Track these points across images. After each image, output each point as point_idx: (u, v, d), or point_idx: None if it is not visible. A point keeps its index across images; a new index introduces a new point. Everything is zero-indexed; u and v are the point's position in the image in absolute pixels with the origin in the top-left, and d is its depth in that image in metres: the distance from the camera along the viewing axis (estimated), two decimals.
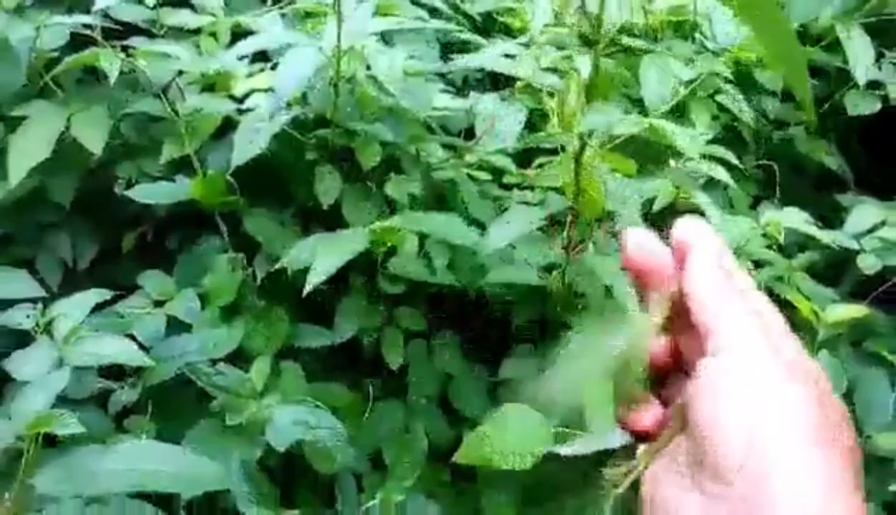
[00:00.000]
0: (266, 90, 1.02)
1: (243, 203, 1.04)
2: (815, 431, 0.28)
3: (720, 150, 1.04)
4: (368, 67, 0.91)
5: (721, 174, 0.99)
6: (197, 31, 1.16)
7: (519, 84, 1.04)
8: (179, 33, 1.18)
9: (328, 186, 0.97)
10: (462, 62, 0.95)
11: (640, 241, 0.33)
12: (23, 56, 0.99)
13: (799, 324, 1.01)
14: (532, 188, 1.08)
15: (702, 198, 0.98)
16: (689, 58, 1.19)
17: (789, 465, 0.27)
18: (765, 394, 0.29)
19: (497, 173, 1.24)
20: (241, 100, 1.04)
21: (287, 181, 1.05)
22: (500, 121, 0.97)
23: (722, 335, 0.31)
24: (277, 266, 0.93)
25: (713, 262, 0.32)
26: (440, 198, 1.13)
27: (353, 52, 0.89)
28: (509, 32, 1.62)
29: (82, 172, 1.11)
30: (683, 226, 0.34)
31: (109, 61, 0.94)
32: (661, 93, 1.04)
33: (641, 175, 1.00)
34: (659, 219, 1.12)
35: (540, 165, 1.08)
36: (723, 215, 1.05)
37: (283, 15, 1.21)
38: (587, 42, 0.83)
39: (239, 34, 1.19)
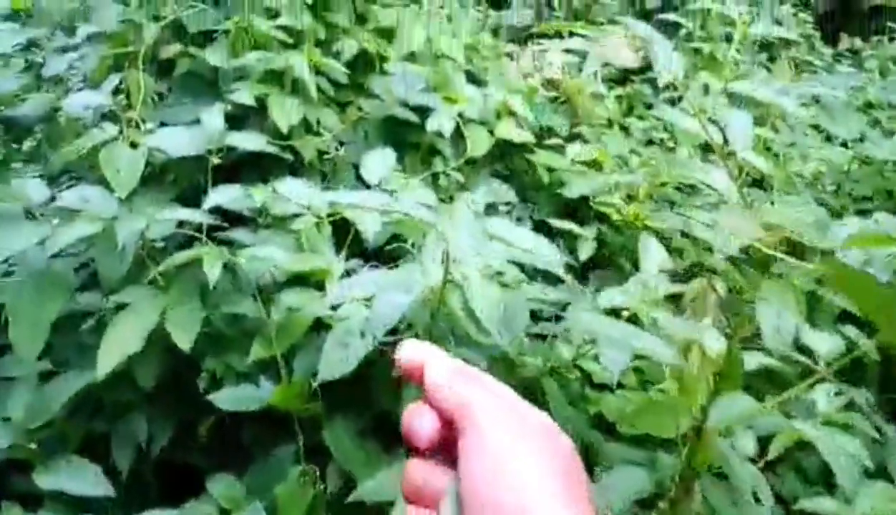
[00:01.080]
0: (361, 301, 0.99)
1: (323, 410, 0.99)
2: (565, 491, 0.34)
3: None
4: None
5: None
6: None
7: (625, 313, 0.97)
8: (282, 221, 1.20)
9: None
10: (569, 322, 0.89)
11: (408, 352, 0.40)
12: (129, 249, 1.00)
13: None
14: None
15: None
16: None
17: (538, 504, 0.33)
18: (517, 464, 0.35)
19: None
20: (334, 305, 1.02)
21: (371, 394, 1.00)
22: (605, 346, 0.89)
23: (468, 415, 0.36)
24: (353, 498, 0.86)
25: (447, 363, 0.39)
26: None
27: (452, 284, 0.85)
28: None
29: (168, 358, 1.10)
30: (409, 348, 0.40)
31: (211, 264, 0.94)
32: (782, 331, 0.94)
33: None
34: None
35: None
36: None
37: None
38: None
39: (340, 226, 1.20)
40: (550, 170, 1.71)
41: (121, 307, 1.03)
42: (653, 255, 1.00)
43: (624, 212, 1.45)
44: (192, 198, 1.30)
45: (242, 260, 1.00)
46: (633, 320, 0.96)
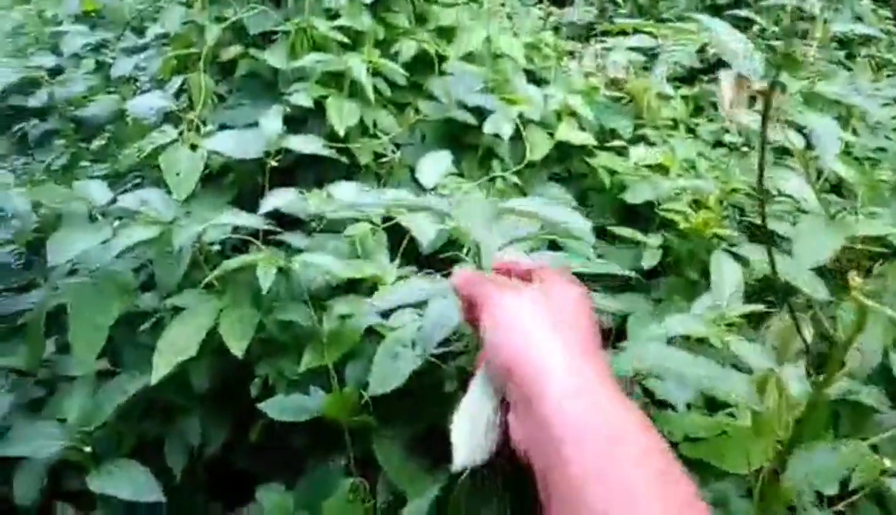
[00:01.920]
0: (414, 306, 0.96)
1: (374, 422, 0.97)
2: (554, 325, 0.48)
3: None
4: None
5: None
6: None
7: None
8: (337, 226, 1.18)
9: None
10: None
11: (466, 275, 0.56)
12: (186, 253, 1.00)
13: None
14: None
15: None
16: None
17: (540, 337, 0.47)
18: (522, 316, 0.48)
19: None
20: (387, 313, 0.99)
21: (421, 407, 0.97)
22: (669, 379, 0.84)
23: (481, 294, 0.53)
24: None
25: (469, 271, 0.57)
26: None
27: None
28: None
29: (221, 362, 1.09)
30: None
31: (265, 269, 0.92)
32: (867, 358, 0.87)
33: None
34: None
35: None
36: None
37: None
38: None
39: (394, 231, 1.17)
40: (612, 173, 1.65)
41: (177, 310, 1.03)
42: (726, 275, 0.94)
43: (692, 220, 1.37)
44: (249, 201, 1.30)
45: (296, 265, 0.98)
46: (702, 339, 0.90)
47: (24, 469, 1.09)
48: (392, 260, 1.12)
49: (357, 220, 1.12)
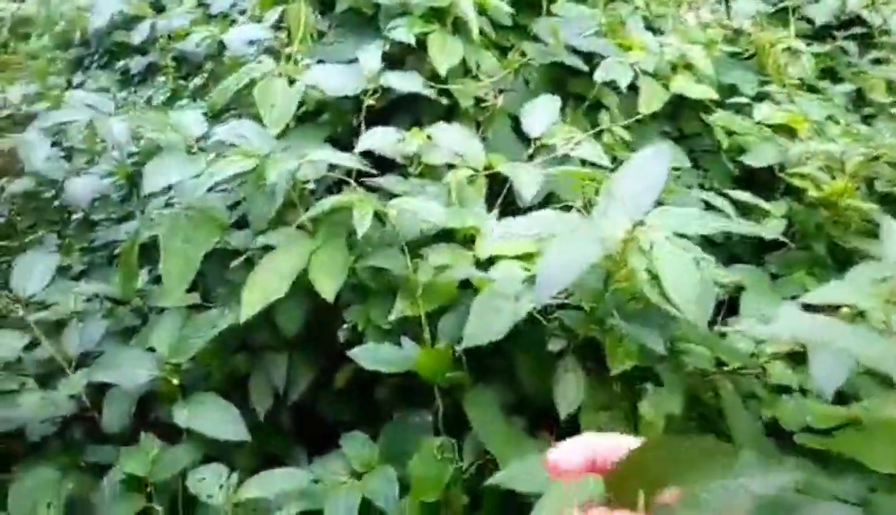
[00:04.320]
0: (514, 257, 0.89)
1: (468, 379, 0.91)
2: None
3: None
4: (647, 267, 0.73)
5: None
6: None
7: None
8: (434, 171, 1.12)
9: (568, 390, 0.80)
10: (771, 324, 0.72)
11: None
12: (280, 189, 0.96)
13: None
14: None
15: None
16: None
17: None
18: None
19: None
20: (485, 265, 0.93)
21: (518, 368, 0.90)
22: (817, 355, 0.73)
23: None
24: (494, 481, 0.77)
25: None
26: (702, 416, 0.91)
27: (635, 245, 0.71)
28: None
29: (311, 305, 1.06)
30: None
31: (362, 213, 0.87)
32: None
33: None
34: None
35: None
36: None
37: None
38: None
39: (498, 178, 1.10)
40: (730, 133, 1.51)
41: (267, 248, 1.00)
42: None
43: (824, 188, 1.23)
44: (343, 141, 1.26)
45: (392, 211, 0.92)
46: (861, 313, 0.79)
47: (113, 396, 1.10)
48: (489, 210, 1.05)
49: (453, 166, 1.04)
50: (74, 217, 1.81)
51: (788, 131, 1.52)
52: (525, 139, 1.28)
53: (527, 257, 0.88)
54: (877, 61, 1.98)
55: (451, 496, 0.88)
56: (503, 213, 1.06)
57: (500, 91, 1.30)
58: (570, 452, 0.34)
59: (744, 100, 1.57)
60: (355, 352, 0.91)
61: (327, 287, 0.92)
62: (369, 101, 1.09)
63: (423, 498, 0.86)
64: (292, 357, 1.13)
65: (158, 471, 0.96)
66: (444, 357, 0.89)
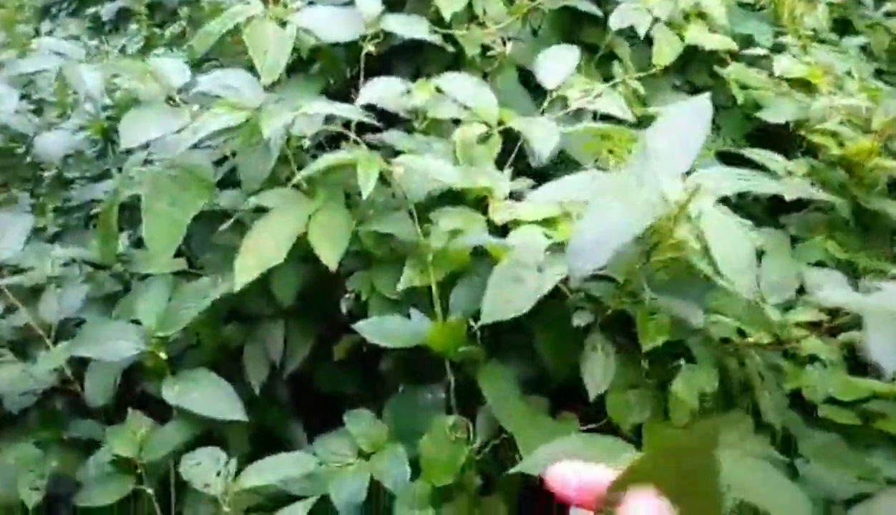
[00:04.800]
0: (535, 223, 0.82)
1: (482, 354, 0.84)
2: None
3: None
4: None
5: None
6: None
7: None
8: (440, 125, 1.03)
9: (596, 369, 0.73)
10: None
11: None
12: (275, 145, 0.87)
13: None
14: None
15: None
16: None
17: None
18: None
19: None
20: (501, 230, 0.85)
21: (539, 340, 0.83)
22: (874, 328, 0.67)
23: None
24: (517, 468, 0.71)
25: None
26: (728, 394, 0.85)
27: (685, 212, 0.64)
28: None
29: (309, 271, 0.98)
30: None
31: (367, 173, 0.79)
32: None
33: None
34: None
35: None
36: None
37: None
38: None
39: (509, 135, 1.01)
40: (744, 87, 1.43)
41: (260, 211, 0.91)
42: None
43: (848, 146, 1.16)
44: (339, 94, 1.16)
45: (399, 170, 0.84)
46: None
47: (96, 369, 1.02)
48: (500, 170, 0.97)
49: (460, 122, 0.96)
50: (47, 174, 1.70)
51: (804, 86, 1.44)
52: (533, 91, 1.20)
53: (549, 222, 0.80)
54: (889, 14, 1.90)
55: (464, 478, 0.82)
56: (515, 174, 0.99)
57: (508, 38, 1.20)
58: None
59: (758, 52, 1.48)
60: (360, 326, 0.83)
61: (329, 253, 0.85)
62: (369, 48, 0.99)
63: (435, 482, 0.80)
64: (289, 326, 1.06)
65: (148, 452, 0.89)
66: (458, 331, 0.82)
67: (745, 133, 1.43)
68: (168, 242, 0.88)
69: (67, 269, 1.25)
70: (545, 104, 1.03)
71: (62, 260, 1.18)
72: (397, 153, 0.93)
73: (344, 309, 0.92)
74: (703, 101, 0.75)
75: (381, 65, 1.15)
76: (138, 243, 1.28)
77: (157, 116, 0.88)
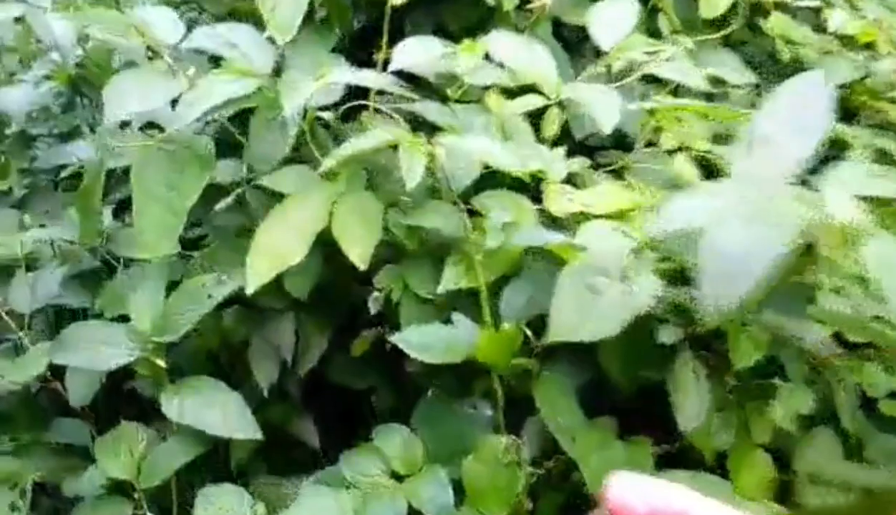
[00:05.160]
0: (605, 216, 0.70)
1: (536, 366, 0.73)
2: None
3: None
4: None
5: None
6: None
7: None
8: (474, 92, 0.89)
9: (690, 398, 0.63)
10: None
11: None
12: (293, 122, 0.73)
13: None
14: None
15: None
16: None
17: None
18: None
19: None
20: (558, 223, 0.73)
21: (606, 352, 0.73)
22: None
23: None
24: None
25: None
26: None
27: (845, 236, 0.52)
28: None
29: (326, 263, 0.85)
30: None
31: (411, 158, 0.65)
32: None
33: None
34: None
35: None
36: None
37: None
38: None
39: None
40: (790, 42, 1.30)
41: (274, 196, 0.78)
42: None
43: None
44: (348, 51, 1.01)
45: (441, 150, 0.70)
46: None
47: (76, 370, 0.90)
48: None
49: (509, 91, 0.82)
50: (9, 131, 1.52)
51: (849, 43, 1.32)
52: (569, 50, 1.06)
53: (621, 215, 0.68)
54: None
55: (517, 506, 0.72)
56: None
57: None
58: None
59: (807, 3, 1.35)
60: (400, 340, 0.71)
61: (358, 251, 0.72)
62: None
63: (485, 511, 0.70)
64: (300, 318, 0.94)
65: (148, 475, 0.77)
66: (513, 342, 0.70)
67: None
68: (165, 235, 0.75)
69: (40, 246, 1.11)
70: (598, 67, 0.89)
71: (34, 240, 1.03)
72: (433, 129, 0.80)
73: (372, 310, 0.80)
74: (817, 77, 0.63)
75: (394, 17, 1.00)
76: (118, 212, 1.14)
77: (148, 83, 0.73)
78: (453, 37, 0.98)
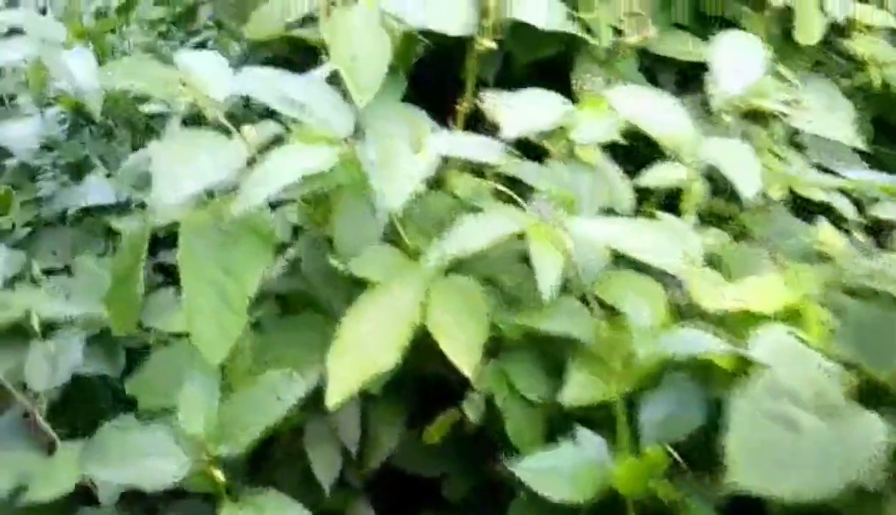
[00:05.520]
0: (773, 318, 0.57)
1: (679, 496, 0.61)
2: None
3: None
4: None
5: None
6: None
7: None
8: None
9: None
10: None
11: None
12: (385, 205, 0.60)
13: None
14: None
15: None
16: None
17: None
18: None
19: None
20: (707, 320, 0.61)
21: None
22: None
23: None
24: None
25: None
26: None
27: None
28: None
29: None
30: None
31: (545, 256, 0.52)
32: None
33: None
34: None
35: None
36: None
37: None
38: None
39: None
40: (880, 65, 1.18)
41: (356, 283, 0.65)
42: None
43: None
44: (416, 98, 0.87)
45: (569, 242, 0.57)
46: None
47: None
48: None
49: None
50: (9, 163, 1.37)
51: None
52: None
53: (793, 316, 0.56)
54: None
55: None
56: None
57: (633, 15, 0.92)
58: None
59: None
60: (520, 471, 0.58)
61: (465, 357, 0.59)
62: (486, 44, 0.71)
63: None
64: (367, 409, 0.81)
65: None
66: (657, 468, 0.58)
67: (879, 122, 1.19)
68: (225, 339, 0.61)
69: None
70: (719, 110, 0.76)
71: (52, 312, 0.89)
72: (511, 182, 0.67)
73: (472, 418, 0.67)
74: None
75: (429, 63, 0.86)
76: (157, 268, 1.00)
77: (203, 154, 0.60)
78: (521, 71, 0.86)
